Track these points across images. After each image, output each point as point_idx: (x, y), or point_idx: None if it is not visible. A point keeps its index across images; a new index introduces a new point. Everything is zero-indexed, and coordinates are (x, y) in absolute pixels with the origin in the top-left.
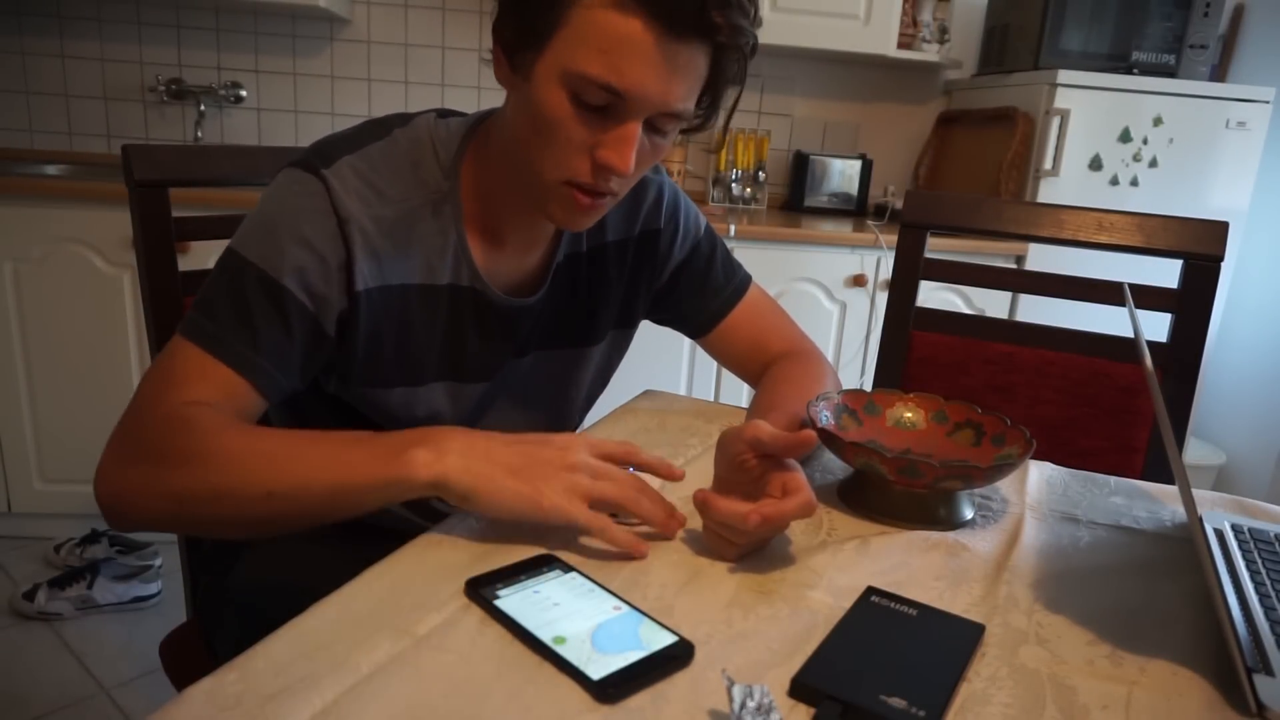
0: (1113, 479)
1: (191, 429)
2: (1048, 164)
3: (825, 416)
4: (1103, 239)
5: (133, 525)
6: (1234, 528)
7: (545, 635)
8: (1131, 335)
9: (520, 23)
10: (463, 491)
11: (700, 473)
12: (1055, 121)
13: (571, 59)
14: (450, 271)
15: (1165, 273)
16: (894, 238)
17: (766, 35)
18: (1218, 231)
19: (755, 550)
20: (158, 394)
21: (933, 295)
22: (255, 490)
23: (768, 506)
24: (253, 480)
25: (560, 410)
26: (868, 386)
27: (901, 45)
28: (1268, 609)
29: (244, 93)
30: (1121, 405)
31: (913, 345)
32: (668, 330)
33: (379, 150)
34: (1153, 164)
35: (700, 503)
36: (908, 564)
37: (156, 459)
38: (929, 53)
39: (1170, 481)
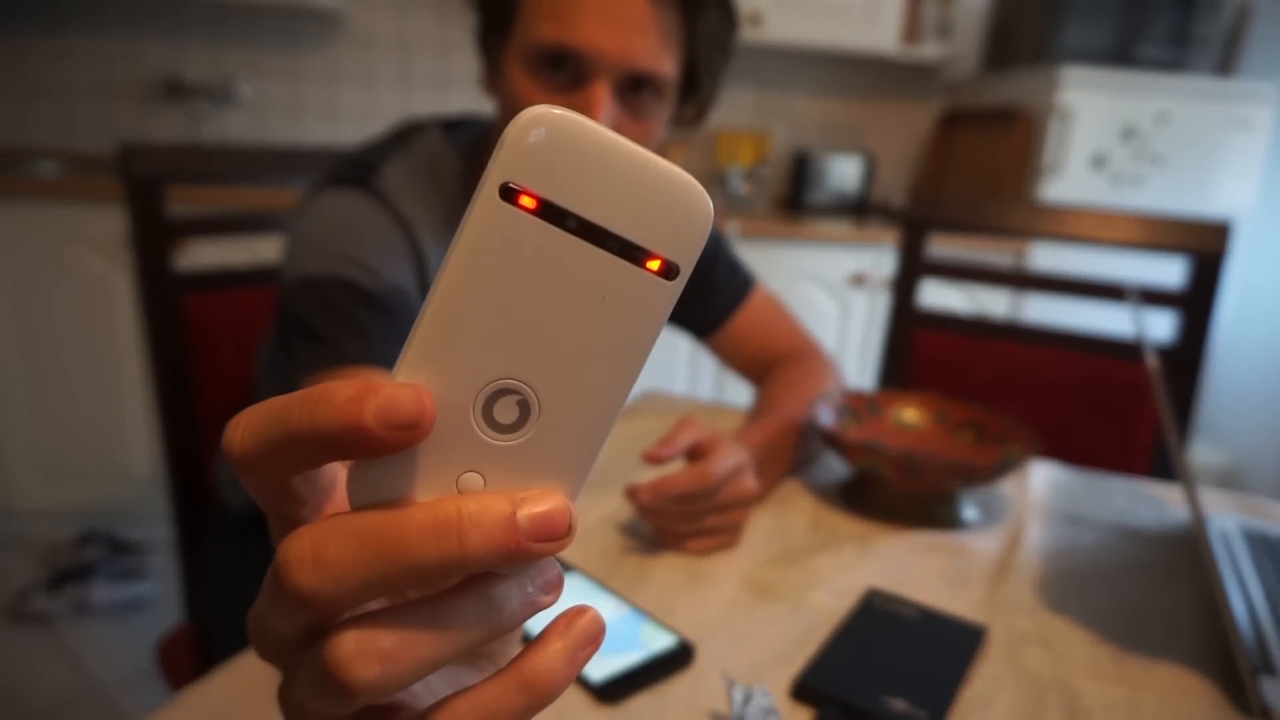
0: (1116, 479)
1: None
2: (1051, 161)
3: (827, 417)
4: (1105, 236)
5: None
6: (1240, 528)
7: None
8: (1134, 335)
9: (487, 19)
10: None
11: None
12: (1058, 118)
13: (527, 33)
14: None
15: (1169, 273)
16: (895, 236)
17: (768, 33)
18: (1220, 230)
19: (723, 539)
20: None
21: (935, 294)
22: None
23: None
24: None
25: None
26: (868, 385)
27: (903, 42)
28: (1273, 610)
29: (243, 90)
30: (1125, 405)
31: (915, 345)
32: (667, 330)
33: (405, 160)
34: (1157, 161)
35: (650, 496)
36: (909, 565)
37: None
38: (931, 50)
39: (1175, 481)
